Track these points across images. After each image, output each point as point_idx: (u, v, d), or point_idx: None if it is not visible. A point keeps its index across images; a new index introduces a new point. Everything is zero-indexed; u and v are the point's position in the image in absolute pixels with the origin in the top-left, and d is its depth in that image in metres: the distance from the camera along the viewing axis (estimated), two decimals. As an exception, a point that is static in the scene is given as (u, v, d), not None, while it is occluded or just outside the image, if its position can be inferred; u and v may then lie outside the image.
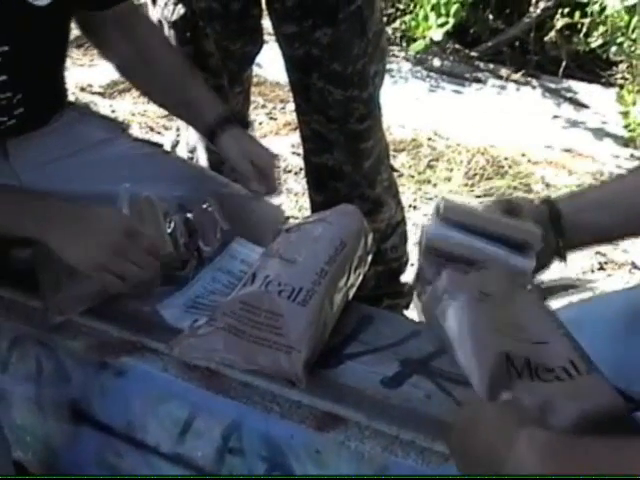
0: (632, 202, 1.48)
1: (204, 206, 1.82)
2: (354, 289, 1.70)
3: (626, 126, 3.66)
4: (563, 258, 1.53)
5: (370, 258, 1.77)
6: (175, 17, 2.30)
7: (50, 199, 1.63)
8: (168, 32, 2.32)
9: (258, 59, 2.57)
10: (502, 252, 1.48)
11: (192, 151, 2.58)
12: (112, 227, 1.58)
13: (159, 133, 3.69)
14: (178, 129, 2.84)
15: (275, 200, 2.03)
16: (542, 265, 1.54)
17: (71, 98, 2.25)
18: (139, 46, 1.91)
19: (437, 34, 4.07)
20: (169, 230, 1.74)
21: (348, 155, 2.37)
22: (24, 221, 1.58)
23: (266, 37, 2.50)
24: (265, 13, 2.33)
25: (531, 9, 4.29)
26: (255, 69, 2.72)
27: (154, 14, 2.34)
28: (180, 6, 2.29)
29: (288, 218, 1.99)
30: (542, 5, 4.25)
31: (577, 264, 3.02)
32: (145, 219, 1.72)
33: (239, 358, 1.55)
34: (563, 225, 1.50)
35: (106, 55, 1.97)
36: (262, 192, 1.94)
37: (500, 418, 1.13)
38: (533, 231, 1.47)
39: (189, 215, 1.80)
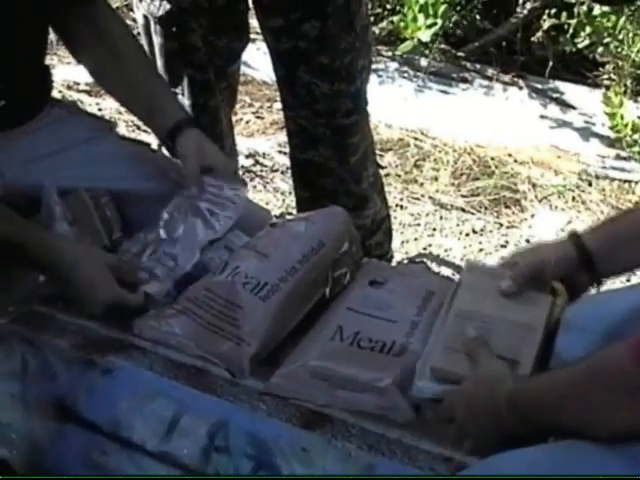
0: None
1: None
2: (335, 289, 1.71)
3: (612, 127, 3.66)
4: (598, 285, 1.55)
5: (358, 262, 1.78)
6: (161, 12, 2.29)
7: (48, 250, 1.65)
8: (154, 27, 2.32)
9: (245, 58, 2.57)
10: None
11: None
12: (93, 302, 1.64)
13: (145, 132, 3.66)
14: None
15: (262, 199, 2.03)
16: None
17: (57, 96, 2.25)
18: (108, 47, 1.90)
19: (425, 35, 4.07)
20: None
21: (334, 150, 2.37)
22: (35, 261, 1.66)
23: (253, 36, 2.50)
24: (252, 9, 2.33)
25: (518, 9, 4.29)
26: (242, 68, 2.72)
27: (140, 9, 2.34)
28: (166, 1, 2.28)
29: (281, 215, 1.98)
30: (529, 6, 4.25)
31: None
32: (77, 214, 1.77)
33: (192, 343, 1.57)
34: (595, 262, 1.52)
35: (78, 59, 1.97)
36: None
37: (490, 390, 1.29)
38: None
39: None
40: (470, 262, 1.59)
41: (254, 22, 2.39)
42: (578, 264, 1.52)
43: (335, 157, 2.38)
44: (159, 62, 2.34)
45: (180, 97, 2.35)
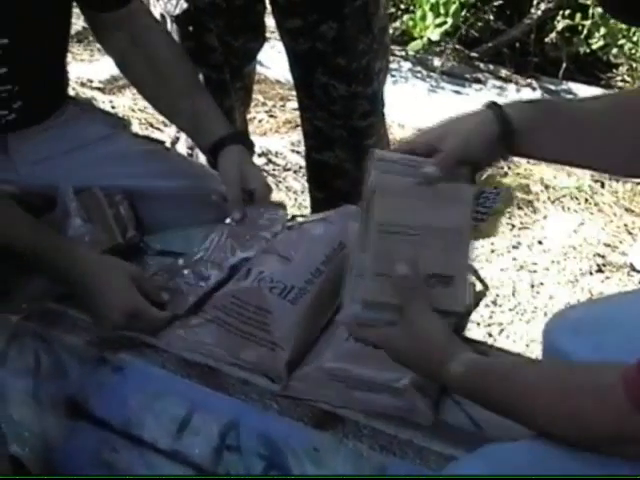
0: (589, 129, 1.41)
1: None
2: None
3: (626, 129, 3.65)
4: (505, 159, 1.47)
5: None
6: (178, 11, 2.29)
7: (61, 257, 1.65)
8: (170, 26, 2.32)
9: (259, 57, 2.57)
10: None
11: (192, 148, 2.57)
12: (113, 309, 1.62)
13: (159, 129, 3.68)
14: (178, 126, 2.83)
15: (274, 198, 2.02)
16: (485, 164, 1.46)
17: (71, 93, 2.25)
18: (147, 52, 1.89)
19: (434, 34, 4.06)
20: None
21: (350, 152, 2.37)
22: (52, 271, 1.65)
23: (268, 35, 2.50)
24: (268, 10, 2.33)
25: (532, 10, 4.29)
26: (256, 67, 2.72)
27: (157, 8, 2.34)
28: (183, 1, 2.28)
29: (294, 217, 1.97)
30: (543, 6, 4.24)
31: (575, 266, 3.02)
32: (91, 213, 1.78)
33: (225, 352, 1.56)
34: (515, 139, 1.40)
35: (113, 58, 1.96)
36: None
37: (442, 335, 1.27)
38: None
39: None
40: (378, 153, 1.39)
41: (269, 22, 2.39)
42: (499, 134, 1.40)
43: (351, 159, 2.37)
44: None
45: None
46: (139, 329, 1.62)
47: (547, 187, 3.52)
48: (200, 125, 1.88)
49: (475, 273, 1.71)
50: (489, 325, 2.73)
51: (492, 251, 3.12)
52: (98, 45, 2.06)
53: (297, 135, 3.49)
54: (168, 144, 2.66)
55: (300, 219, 1.89)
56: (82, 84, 4.04)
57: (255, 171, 1.89)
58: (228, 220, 1.82)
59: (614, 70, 4.08)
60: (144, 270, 1.76)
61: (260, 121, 3.89)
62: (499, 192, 1.47)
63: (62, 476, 1.70)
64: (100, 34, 1.95)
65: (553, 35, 4.20)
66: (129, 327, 1.62)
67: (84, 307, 1.66)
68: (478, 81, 4.20)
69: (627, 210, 3.39)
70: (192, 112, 1.88)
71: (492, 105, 1.42)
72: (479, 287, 1.71)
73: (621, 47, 3.96)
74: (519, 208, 3.39)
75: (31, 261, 1.64)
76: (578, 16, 4.00)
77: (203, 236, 1.80)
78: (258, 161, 3.54)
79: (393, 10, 4.35)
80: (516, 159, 3.65)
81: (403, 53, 4.27)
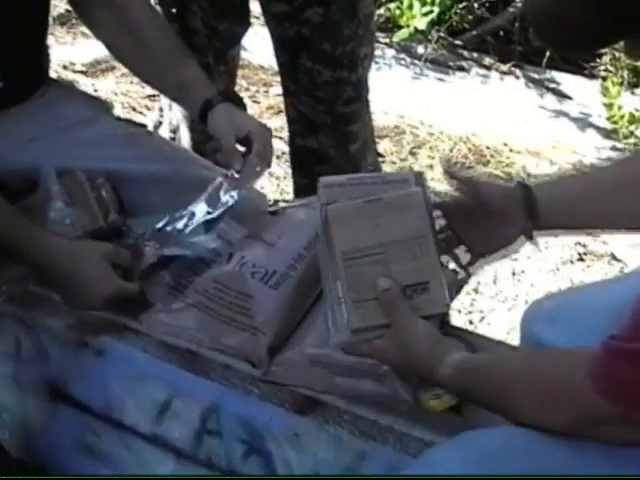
0: (610, 195, 1.47)
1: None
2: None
3: (609, 118, 3.66)
4: (531, 238, 1.51)
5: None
6: None
7: (52, 244, 1.65)
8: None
9: (243, 42, 2.56)
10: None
11: (174, 131, 2.57)
12: (93, 297, 1.64)
13: (141, 113, 3.66)
14: (161, 109, 2.82)
15: (256, 183, 2.01)
16: (506, 244, 1.54)
17: (53, 76, 2.24)
18: (130, 25, 1.87)
19: (421, 23, 4.05)
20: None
21: (334, 138, 2.36)
22: (25, 257, 1.66)
23: (252, 20, 2.49)
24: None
25: (516, -1, 4.29)
26: (240, 51, 2.71)
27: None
28: None
29: (276, 202, 1.97)
30: (527, -5, 4.24)
31: (556, 254, 3.03)
32: (73, 195, 1.77)
33: (206, 336, 1.57)
34: (538, 210, 1.47)
35: (97, 34, 1.95)
36: (240, 173, 1.82)
37: (429, 342, 1.30)
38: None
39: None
40: (323, 181, 1.41)
41: (253, 6, 2.38)
42: (522, 204, 1.47)
43: (335, 145, 2.37)
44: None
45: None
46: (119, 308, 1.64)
47: (529, 176, 3.52)
48: (187, 92, 1.88)
49: (456, 260, 1.71)
50: (470, 312, 2.73)
51: (474, 239, 3.12)
52: (81, 28, 2.06)
53: (280, 121, 3.48)
54: (151, 127, 2.66)
55: (282, 204, 1.88)
56: (64, 67, 4.01)
57: (247, 117, 1.88)
58: (227, 172, 1.81)
59: (597, 59, 4.08)
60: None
61: (243, 106, 3.88)
62: None
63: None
64: (82, 11, 1.94)
65: (537, 24, 4.20)
66: (110, 309, 1.63)
67: (63, 296, 1.66)
68: (462, 69, 4.20)
69: (609, 199, 3.39)
70: (178, 81, 1.87)
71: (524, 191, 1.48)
72: (461, 274, 1.72)
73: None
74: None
75: (8, 249, 1.63)
76: (562, 5, 4.00)
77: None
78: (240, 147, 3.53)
79: (378, -3, 4.35)
80: (498, 147, 3.66)
81: (387, 40, 4.26)
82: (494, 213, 1.49)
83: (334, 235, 1.35)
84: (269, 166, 1.85)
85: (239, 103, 1.88)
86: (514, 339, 2.37)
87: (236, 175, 1.80)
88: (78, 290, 1.63)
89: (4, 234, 1.62)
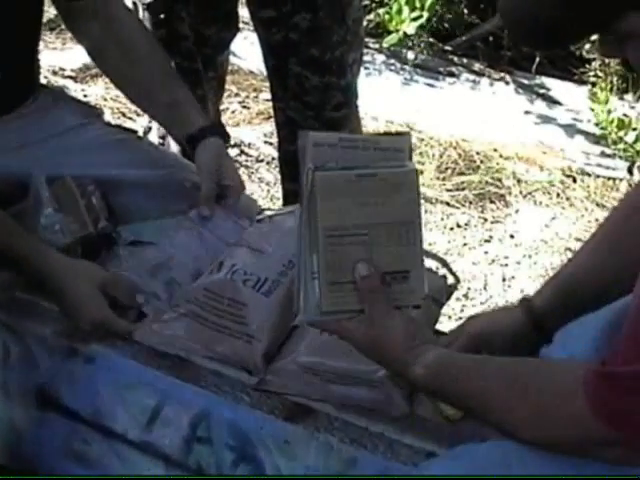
0: (600, 277, 1.48)
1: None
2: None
3: (598, 124, 3.67)
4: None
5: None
6: None
7: (40, 257, 1.64)
8: (142, 14, 2.31)
9: (233, 47, 2.56)
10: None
11: (163, 137, 2.56)
12: (80, 317, 1.61)
13: (131, 119, 3.66)
14: (150, 115, 2.81)
15: (246, 189, 2.01)
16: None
17: (43, 82, 2.23)
18: (121, 41, 1.88)
19: (410, 28, 4.06)
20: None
21: None
22: (23, 267, 1.64)
23: (242, 26, 2.49)
24: (242, 0, 2.32)
25: (506, 4, 4.29)
26: (230, 57, 2.71)
27: (129, -5, 2.33)
28: None
29: (262, 210, 1.97)
30: (517, 1, 4.24)
31: (546, 260, 3.04)
32: (63, 202, 1.77)
33: (200, 345, 1.56)
34: (544, 324, 1.49)
35: (84, 45, 1.95)
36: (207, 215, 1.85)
37: (404, 338, 1.27)
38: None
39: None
40: (313, 137, 1.32)
41: (243, 12, 2.38)
42: (531, 328, 1.50)
43: (324, 150, 2.37)
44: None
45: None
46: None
47: (519, 181, 3.53)
48: (176, 115, 1.88)
49: (446, 266, 1.71)
50: (460, 318, 2.72)
51: (464, 244, 3.13)
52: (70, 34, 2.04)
53: (270, 126, 3.48)
54: (140, 133, 2.65)
55: (269, 212, 1.88)
56: (54, 72, 4.01)
57: (232, 167, 1.90)
58: (193, 213, 1.82)
59: (587, 65, 4.09)
60: (117, 262, 1.75)
61: (233, 112, 3.88)
62: None
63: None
64: (71, 23, 1.94)
65: (526, 30, 4.20)
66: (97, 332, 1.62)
67: (55, 303, 1.65)
68: (452, 75, 4.21)
69: (598, 205, 3.40)
70: (167, 102, 1.87)
71: (528, 309, 1.50)
72: (450, 280, 1.72)
73: (594, 42, 3.97)
74: (491, 202, 3.40)
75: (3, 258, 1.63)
76: (552, 11, 4.00)
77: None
78: (231, 152, 3.52)
79: (368, 2, 4.35)
80: (488, 152, 3.66)
81: (377, 46, 4.27)
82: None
83: (319, 207, 1.28)
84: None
85: (224, 137, 1.90)
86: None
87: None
88: (67, 308, 1.62)
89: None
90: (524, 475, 1.15)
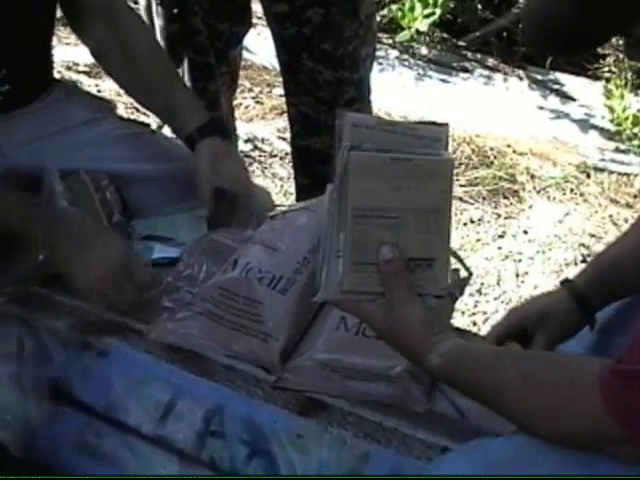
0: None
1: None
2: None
3: (612, 120, 3.66)
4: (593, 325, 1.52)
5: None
6: None
7: (61, 218, 1.68)
8: (155, 9, 2.31)
9: (245, 43, 2.56)
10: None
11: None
12: (113, 263, 1.63)
13: (145, 114, 3.65)
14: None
15: (260, 184, 2.01)
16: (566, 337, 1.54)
17: (57, 77, 2.24)
18: (123, 41, 1.88)
19: (423, 25, 4.06)
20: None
21: None
22: (34, 231, 1.64)
23: (254, 21, 2.49)
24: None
25: (520, 0, 4.29)
26: (243, 52, 2.71)
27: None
28: None
29: (275, 207, 1.97)
30: (531, -4, 4.23)
31: (560, 256, 3.03)
32: (77, 196, 1.76)
33: (215, 344, 1.55)
34: (588, 302, 1.50)
35: (88, 46, 1.95)
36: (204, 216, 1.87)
37: (422, 325, 1.25)
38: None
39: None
40: (351, 117, 1.30)
41: (256, 7, 2.38)
42: (575, 306, 1.51)
43: (336, 145, 2.37)
44: (160, 44, 2.33)
45: (180, 80, 2.34)
46: (119, 297, 1.63)
47: (533, 177, 3.52)
48: (176, 115, 1.87)
49: (458, 258, 1.71)
50: (474, 314, 2.73)
51: (477, 240, 3.13)
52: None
53: (283, 121, 3.48)
54: (154, 127, 2.65)
55: (282, 208, 1.88)
56: (68, 68, 4.02)
57: (232, 166, 1.87)
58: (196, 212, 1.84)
59: (601, 61, 4.08)
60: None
61: (247, 107, 3.88)
62: None
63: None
64: (76, 23, 1.94)
65: (541, 25, 4.19)
66: (118, 282, 1.63)
67: (68, 271, 1.65)
68: (465, 70, 4.20)
69: (612, 201, 3.39)
70: (167, 102, 1.87)
71: (571, 289, 1.51)
72: (463, 274, 1.71)
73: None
74: (504, 197, 3.40)
75: (22, 228, 1.64)
76: (566, 6, 3.99)
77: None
78: (244, 147, 3.53)
79: (380, -2, 4.35)
80: (502, 148, 3.65)
81: (390, 41, 4.27)
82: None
83: (351, 186, 1.27)
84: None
85: (225, 134, 1.89)
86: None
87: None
88: (85, 257, 1.63)
89: (20, 213, 1.65)
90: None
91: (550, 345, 1.51)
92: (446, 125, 1.35)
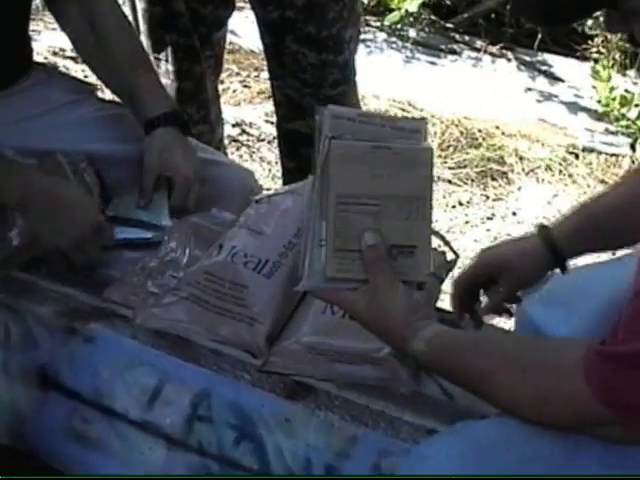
0: (619, 217, 1.50)
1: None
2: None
3: (600, 100, 3.66)
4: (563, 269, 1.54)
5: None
6: None
7: (34, 177, 1.70)
8: None
9: (232, 26, 2.55)
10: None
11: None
12: (84, 223, 1.66)
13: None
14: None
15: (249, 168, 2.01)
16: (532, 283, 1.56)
17: (43, 62, 2.23)
18: (93, 24, 1.87)
19: (412, 6, 4.05)
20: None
21: None
22: (7, 193, 1.67)
23: (241, 4, 2.48)
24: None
25: (508, -19, 4.28)
26: (230, 37, 2.70)
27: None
28: None
29: (261, 187, 1.96)
30: (519, -23, 4.22)
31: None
32: None
33: (201, 329, 1.55)
34: (559, 250, 1.51)
35: (63, 28, 1.95)
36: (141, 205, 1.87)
37: (405, 311, 1.26)
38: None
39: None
40: (331, 110, 1.30)
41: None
42: (546, 253, 1.52)
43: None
44: (142, 27, 2.32)
45: (164, 63, 2.33)
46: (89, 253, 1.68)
47: (521, 158, 3.52)
48: (137, 101, 1.87)
49: (444, 241, 1.71)
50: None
51: (466, 222, 3.13)
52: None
53: (271, 105, 3.44)
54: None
55: (267, 192, 1.87)
56: (54, 53, 3.99)
57: (181, 158, 1.85)
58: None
59: (589, 41, 4.08)
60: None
61: (234, 91, 3.87)
62: None
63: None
64: (52, 7, 1.94)
65: (528, 6, 4.18)
66: (86, 245, 1.67)
67: (43, 229, 1.68)
68: (453, 52, 4.20)
69: (601, 182, 3.39)
70: (131, 85, 1.87)
71: (544, 234, 1.53)
72: (450, 256, 1.71)
73: (596, 19, 3.95)
74: (493, 179, 3.40)
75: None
76: (554, -13, 3.98)
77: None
78: (232, 131, 3.52)
79: (369, -20, 4.34)
80: (490, 130, 3.65)
81: (378, 24, 4.25)
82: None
83: (332, 173, 1.28)
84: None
85: (184, 126, 1.89)
86: (506, 322, 2.38)
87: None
88: (60, 215, 1.66)
89: None
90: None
91: (509, 294, 1.56)
92: (424, 120, 1.38)
